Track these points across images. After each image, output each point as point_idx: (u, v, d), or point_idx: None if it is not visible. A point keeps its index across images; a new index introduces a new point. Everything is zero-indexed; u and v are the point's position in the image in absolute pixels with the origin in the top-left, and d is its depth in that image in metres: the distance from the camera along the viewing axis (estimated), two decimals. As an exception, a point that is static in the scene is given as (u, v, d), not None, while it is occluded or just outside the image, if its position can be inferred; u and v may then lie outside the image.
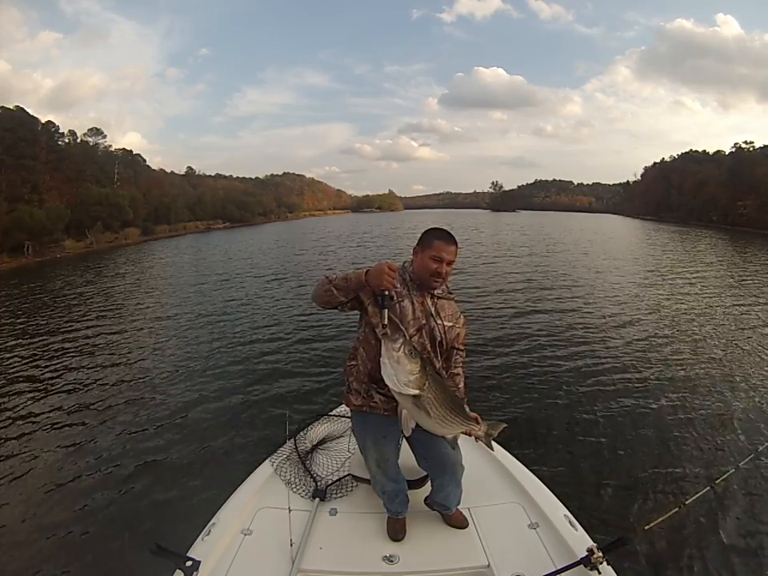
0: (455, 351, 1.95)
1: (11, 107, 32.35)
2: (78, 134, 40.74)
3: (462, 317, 1.95)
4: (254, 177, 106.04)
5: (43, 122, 35.36)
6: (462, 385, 2.01)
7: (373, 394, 1.85)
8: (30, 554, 3.16)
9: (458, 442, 1.98)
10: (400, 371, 1.50)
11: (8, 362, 7.44)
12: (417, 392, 1.51)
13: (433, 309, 1.84)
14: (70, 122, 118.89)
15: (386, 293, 1.65)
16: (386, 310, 1.65)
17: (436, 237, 1.82)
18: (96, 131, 43.23)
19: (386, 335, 1.57)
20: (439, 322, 1.85)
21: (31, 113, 34.15)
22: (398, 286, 1.77)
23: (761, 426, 4.80)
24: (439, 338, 1.85)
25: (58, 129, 37.20)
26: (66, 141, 38.45)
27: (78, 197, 33.78)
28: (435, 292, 1.86)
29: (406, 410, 1.60)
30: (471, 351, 6.32)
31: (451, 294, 1.96)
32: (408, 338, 1.65)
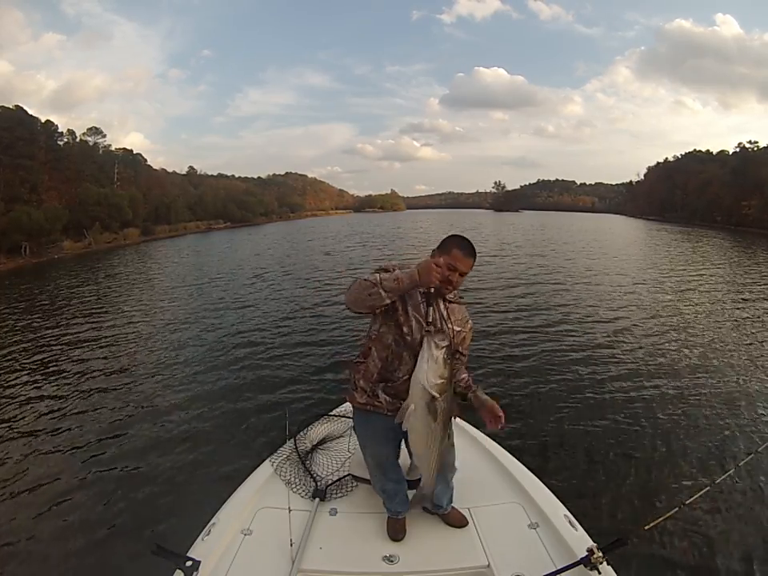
0: (458, 355, 1.94)
1: (10, 106, 32.26)
2: (78, 134, 40.70)
3: (469, 321, 1.96)
4: (256, 177, 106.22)
5: (43, 121, 35.28)
6: (467, 378, 2.09)
7: (378, 394, 1.84)
8: (30, 555, 3.17)
9: (456, 442, 2.03)
10: (433, 370, 1.53)
11: (5, 363, 7.44)
12: (437, 395, 1.56)
13: (445, 312, 1.85)
14: (73, 122, 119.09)
15: (431, 290, 1.68)
16: (431, 308, 1.68)
17: (456, 245, 1.79)
18: (95, 131, 43.07)
19: (430, 332, 1.61)
20: (450, 325, 1.85)
21: (34, 113, 34.17)
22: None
23: (761, 427, 4.80)
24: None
25: (57, 128, 37.08)
26: (65, 140, 38.31)
27: (77, 197, 33.61)
28: (448, 296, 1.86)
29: (414, 406, 1.60)
30: (471, 351, 6.31)
31: (461, 297, 1.96)
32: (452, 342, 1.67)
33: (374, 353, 1.85)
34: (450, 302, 1.88)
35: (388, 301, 1.67)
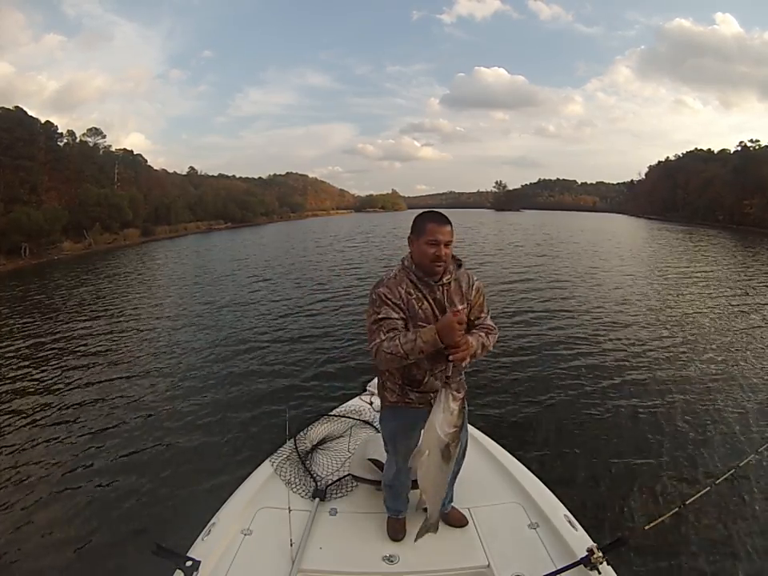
0: (480, 319, 1.90)
1: (10, 107, 32.18)
2: (78, 135, 40.54)
3: (473, 284, 1.88)
4: (257, 177, 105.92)
5: (42, 122, 35.12)
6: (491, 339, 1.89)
7: (408, 392, 1.86)
8: (30, 554, 3.17)
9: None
10: (446, 421, 1.57)
11: (4, 364, 7.45)
12: (450, 442, 1.59)
13: (445, 298, 1.79)
14: (74, 123, 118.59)
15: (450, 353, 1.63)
16: (452, 363, 1.63)
17: (428, 220, 1.75)
18: (95, 131, 42.88)
19: (447, 385, 1.58)
20: (459, 306, 1.77)
21: (36, 114, 34.27)
22: (412, 292, 1.76)
23: (761, 427, 4.79)
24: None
25: (57, 129, 36.98)
26: (65, 141, 38.18)
27: (77, 197, 33.51)
28: (444, 279, 1.79)
29: (428, 452, 1.62)
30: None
31: (460, 266, 1.87)
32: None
33: None
34: (447, 283, 1.81)
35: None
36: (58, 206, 30.34)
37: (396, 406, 1.90)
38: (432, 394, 1.82)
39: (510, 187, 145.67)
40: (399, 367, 1.82)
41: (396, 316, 1.71)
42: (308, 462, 2.58)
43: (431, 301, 1.78)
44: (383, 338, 1.68)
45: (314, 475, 2.44)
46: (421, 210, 1.90)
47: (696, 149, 75.60)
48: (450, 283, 1.81)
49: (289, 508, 1.98)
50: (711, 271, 16.31)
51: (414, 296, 1.76)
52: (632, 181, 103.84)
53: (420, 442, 1.70)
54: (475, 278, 1.91)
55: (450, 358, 1.61)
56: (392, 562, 1.89)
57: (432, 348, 1.61)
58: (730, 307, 10.57)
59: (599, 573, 1.63)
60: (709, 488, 1.93)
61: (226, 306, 11.31)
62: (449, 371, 1.65)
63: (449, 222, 1.76)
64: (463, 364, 1.68)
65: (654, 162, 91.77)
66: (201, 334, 8.84)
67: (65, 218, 29.64)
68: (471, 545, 1.96)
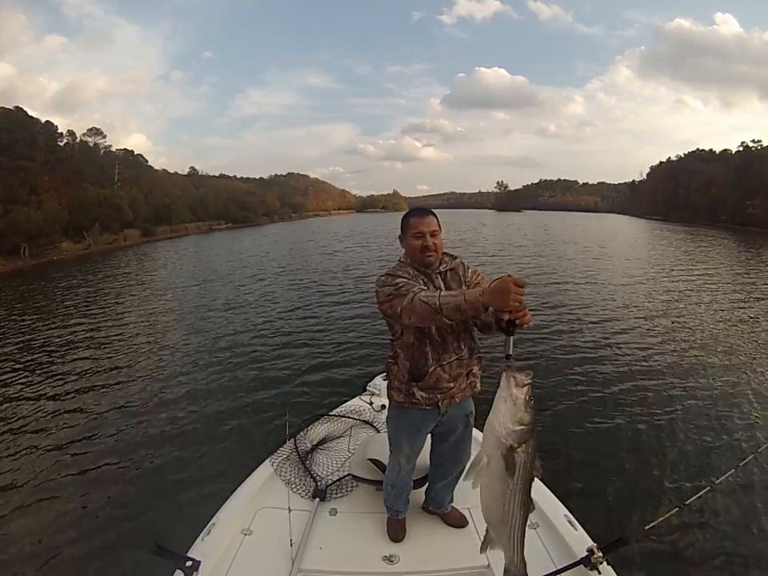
0: None
1: (10, 108, 32.04)
2: (78, 135, 40.41)
3: (469, 270, 1.90)
4: (258, 177, 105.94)
5: (42, 122, 34.99)
6: None
7: (414, 392, 1.84)
8: (30, 554, 3.17)
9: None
10: (511, 414, 1.23)
11: (3, 365, 7.45)
12: (515, 445, 1.24)
13: (444, 286, 1.81)
14: (76, 124, 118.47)
15: (509, 318, 1.40)
16: (511, 337, 1.41)
17: (410, 216, 1.86)
18: (95, 131, 42.79)
19: (510, 367, 1.30)
20: None
21: (38, 115, 34.04)
22: (417, 275, 1.78)
23: (761, 427, 4.78)
24: None
25: (57, 129, 36.85)
26: (65, 141, 38.04)
27: (77, 198, 33.43)
28: (441, 268, 1.83)
29: (486, 458, 1.28)
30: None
31: (455, 258, 1.91)
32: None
33: (400, 354, 1.86)
34: (444, 272, 1.84)
35: (448, 323, 1.62)
36: (57, 207, 30.23)
37: (402, 407, 1.89)
38: (440, 395, 1.81)
39: (512, 187, 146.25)
40: (405, 359, 1.82)
41: (415, 283, 1.72)
42: (308, 462, 2.59)
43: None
44: (416, 290, 1.61)
45: (314, 475, 2.45)
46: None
47: (698, 149, 75.85)
48: (446, 272, 1.85)
49: (289, 508, 1.98)
50: (714, 271, 16.26)
51: (421, 279, 1.80)
52: (633, 181, 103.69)
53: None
54: (471, 265, 1.94)
55: (518, 321, 1.37)
56: (392, 562, 1.89)
57: (472, 310, 1.45)
58: (732, 310, 10.52)
59: (599, 573, 1.63)
60: (709, 488, 1.92)
61: (226, 306, 11.29)
62: (509, 348, 1.39)
63: (431, 213, 1.84)
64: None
65: (655, 162, 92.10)
66: (200, 334, 8.83)
67: (64, 218, 29.57)
68: (471, 545, 1.96)
